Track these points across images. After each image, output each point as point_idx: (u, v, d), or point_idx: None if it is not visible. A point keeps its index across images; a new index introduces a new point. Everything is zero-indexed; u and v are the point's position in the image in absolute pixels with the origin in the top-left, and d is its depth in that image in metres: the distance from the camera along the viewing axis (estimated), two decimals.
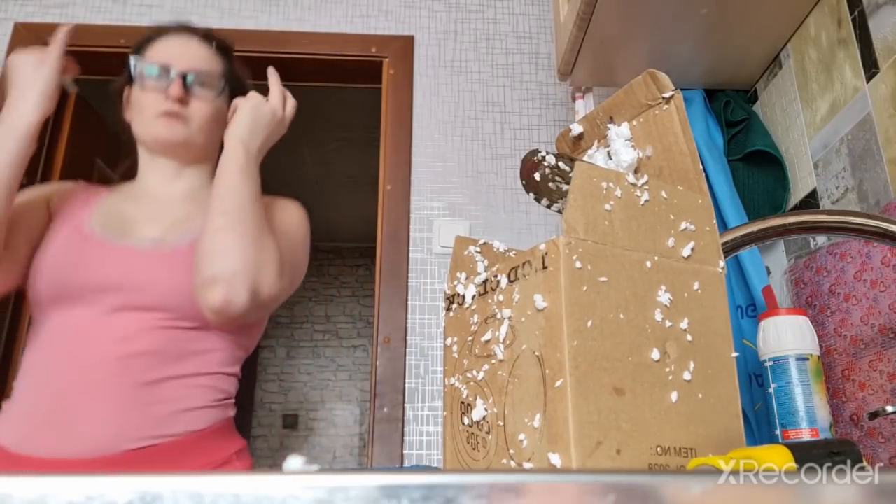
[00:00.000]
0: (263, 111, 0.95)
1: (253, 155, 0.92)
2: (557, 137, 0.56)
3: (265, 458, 4.58)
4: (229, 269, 0.82)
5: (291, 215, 1.02)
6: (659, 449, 0.38)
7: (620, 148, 0.49)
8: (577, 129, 0.54)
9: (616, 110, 0.51)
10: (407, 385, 1.61)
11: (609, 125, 0.51)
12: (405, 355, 1.63)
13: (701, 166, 0.46)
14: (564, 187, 0.46)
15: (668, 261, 0.43)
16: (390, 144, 1.82)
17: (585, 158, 0.52)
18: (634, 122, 0.50)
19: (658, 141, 0.48)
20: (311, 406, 4.74)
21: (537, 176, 0.47)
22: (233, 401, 0.94)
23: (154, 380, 0.84)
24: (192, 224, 0.93)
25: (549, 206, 0.49)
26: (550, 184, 0.47)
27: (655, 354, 0.40)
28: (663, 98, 0.47)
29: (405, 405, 1.59)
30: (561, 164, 0.46)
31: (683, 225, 0.44)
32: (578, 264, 0.39)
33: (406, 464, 1.51)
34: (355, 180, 4.15)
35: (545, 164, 0.46)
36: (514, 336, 0.41)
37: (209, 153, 1.02)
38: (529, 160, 0.47)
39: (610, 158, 0.50)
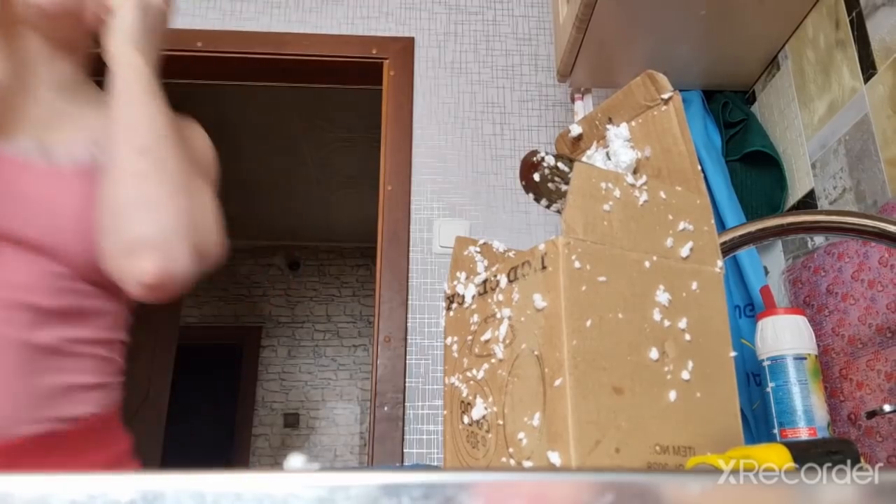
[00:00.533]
0: (153, 4, 0.71)
1: (152, 67, 0.70)
2: (556, 138, 0.57)
3: (266, 457, 4.59)
4: (162, 228, 0.61)
5: (202, 141, 0.80)
6: (658, 448, 0.38)
7: (619, 149, 0.50)
8: (576, 129, 0.54)
9: (615, 111, 0.51)
10: (407, 384, 1.61)
11: (608, 126, 0.51)
12: (405, 355, 1.63)
13: (699, 167, 0.46)
14: (563, 188, 0.47)
15: (667, 261, 0.43)
16: (390, 145, 1.82)
17: (584, 159, 0.52)
18: (633, 123, 0.50)
19: (657, 142, 0.48)
20: (312, 405, 4.74)
21: (536, 177, 0.47)
22: (123, 378, 0.75)
23: (47, 341, 0.65)
24: (86, 133, 0.72)
25: (548, 207, 0.49)
26: (549, 184, 0.47)
27: (654, 354, 0.40)
28: (662, 99, 0.47)
29: (405, 404, 1.59)
30: (560, 164, 0.46)
31: (682, 225, 0.44)
32: (577, 264, 0.39)
33: (406, 462, 1.51)
34: (355, 180, 4.15)
35: (544, 164, 0.46)
36: (514, 335, 0.41)
37: (84, 39, 0.76)
38: (528, 161, 0.48)
39: (609, 159, 0.50)
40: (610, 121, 0.52)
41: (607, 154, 0.51)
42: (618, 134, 0.50)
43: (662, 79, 0.47)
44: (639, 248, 0.42)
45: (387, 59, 1.91)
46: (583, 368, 0.37)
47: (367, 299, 4.97)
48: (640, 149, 0.49)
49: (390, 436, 1.56)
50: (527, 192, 0.49)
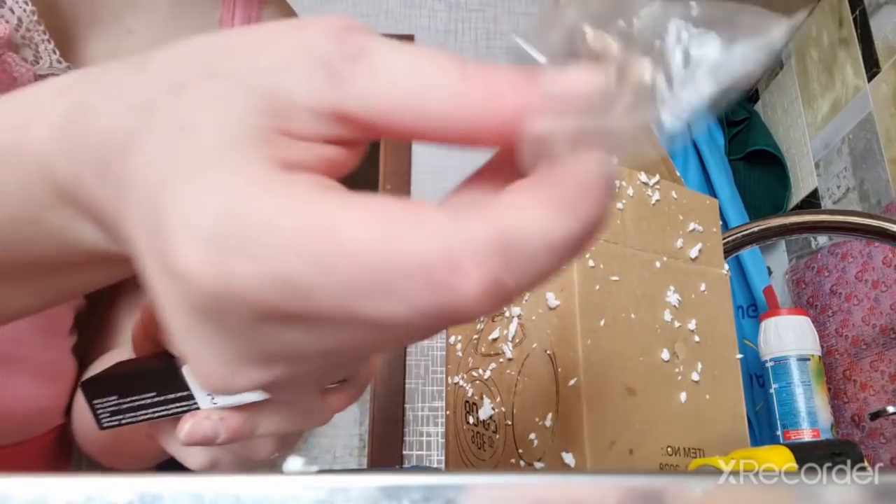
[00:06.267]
0: None
1: None
2: None
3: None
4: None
5: None
6: (669, 449, 0.38)
7: (692, 42, 0.46)
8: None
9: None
10: (407, 385, 1.60)
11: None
12: (405, 355, 1.63)
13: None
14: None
15: (676, 262, 0.42)
16: (390, 145, 1.82)
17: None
18: None
19: None
20: None
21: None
22: None
23: None
24: None
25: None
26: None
27: (665, 355, 0.39)
28: None
29: (405, 406, 1.59)
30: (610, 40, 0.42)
31: (692, 226, 0.44)
32: (591, 263, 0.38)
33: (406, 465, 1.51)
34: (355, 180, 4.16)
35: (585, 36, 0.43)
36: (524, 334, 0.40)
37: None
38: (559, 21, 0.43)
39: (686, 65, 0.47)
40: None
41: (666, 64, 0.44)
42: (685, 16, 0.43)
43: None
44: (650, 248, 0.41)
45: None
46: (597, 368, 0.36)
47: None
48: None
49: (390, 438, 1.55)
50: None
